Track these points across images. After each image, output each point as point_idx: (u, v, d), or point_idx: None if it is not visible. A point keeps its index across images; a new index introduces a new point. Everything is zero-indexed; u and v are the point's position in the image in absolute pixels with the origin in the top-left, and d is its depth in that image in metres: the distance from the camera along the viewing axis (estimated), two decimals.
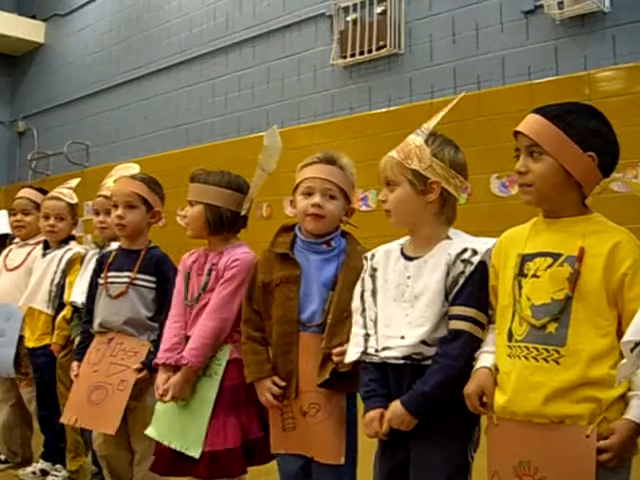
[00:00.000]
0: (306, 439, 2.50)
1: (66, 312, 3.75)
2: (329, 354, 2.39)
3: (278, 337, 2.53)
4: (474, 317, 2.09)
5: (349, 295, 2.36)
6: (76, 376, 3.26)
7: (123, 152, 9.05)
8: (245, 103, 7.92)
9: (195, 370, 2.74)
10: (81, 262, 3.83)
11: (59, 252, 3.98)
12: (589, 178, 1.94)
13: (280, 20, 7.60)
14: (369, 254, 2.36)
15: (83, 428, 3.64)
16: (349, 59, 6.80)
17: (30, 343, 3.93)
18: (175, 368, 2.76)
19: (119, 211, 3.18)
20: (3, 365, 4.00)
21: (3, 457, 4.26)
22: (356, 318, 2.29)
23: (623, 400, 1.83)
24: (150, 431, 2.86)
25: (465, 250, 2.14)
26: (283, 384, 2.51)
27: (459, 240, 2.20)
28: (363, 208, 6.46)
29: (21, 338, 3.98)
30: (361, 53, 6.68)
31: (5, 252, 4.31)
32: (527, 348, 1.89)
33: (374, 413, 2.17)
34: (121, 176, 3.40)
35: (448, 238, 2.22)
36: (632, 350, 1.64)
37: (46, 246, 4.07)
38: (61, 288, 3.88)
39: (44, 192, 4.25)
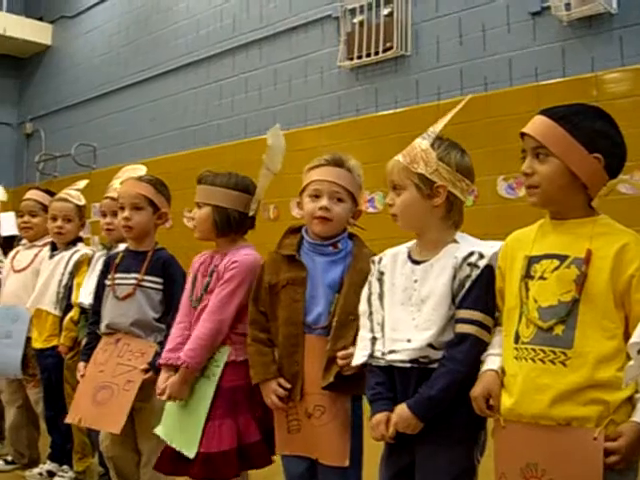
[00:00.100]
0: (311, 441, 2.50)
1: (73, 313, 3.76)
2: (334, 357, 2.39)
3: (284, 339, 2.54)
4: (480, 321, 2.09)
5: (355, 298, 2.36)
6: (82, 376, 3.27)
7: (130, 154, 9.06)
8: (252, 105, 7.93)
9: (192, 371, 2.75)
10: (88, 263, 3.84)
11: (66, 254, 3.99)
12: (595, 180, 1.93)
13: (287, 22, 7.61)
14: (377, 258, 2.36)
15: (90, 429, 3.66)
16: (356, 61, 6.80)
17: (38, 344, 3.94)
18: (177, 368, 2.77)
19: (126, 213, 3.18)
20: (10, 366, 4.00)
21: (10, 458, 4.27)
22: (363, 321, 2.29)
23: (630, 402, 1.82)
24: (158, 429, 2.89)
25: (472, 254, 2.13)
26: (288, 386, 2.51)
27: (466, 244, 2.20)
28: (370, 210, 6.45)
29: (28, 339, 3.99)
30: (368, 55, 6.67)
31: (12, 253, 4.32)
32: (534, 350, 1.89)
33: (380, 416, 2.16)
34: (128, 178, 3.40)
35: (455, 242, 2.22)
36: (639, 352, 1.64)
37: (53, 247, 4.08)
38: (69, 289, 3.89)
39: (51, 194, 4.27)
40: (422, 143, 2.21)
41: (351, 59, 6.83)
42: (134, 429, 3.19)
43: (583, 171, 1.91)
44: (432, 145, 2.19)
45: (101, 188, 3.90)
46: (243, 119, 8.00)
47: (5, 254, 4.58)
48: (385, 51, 6.55)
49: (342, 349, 2.37)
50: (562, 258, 1.91)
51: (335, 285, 2.50)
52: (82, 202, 4.10)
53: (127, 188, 3.26)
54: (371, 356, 2.22)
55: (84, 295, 3.67)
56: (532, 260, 1.98)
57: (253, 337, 2.63)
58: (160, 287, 3.18)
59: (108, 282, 3.26)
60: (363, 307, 2.31)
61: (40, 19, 11.46)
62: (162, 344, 2.99)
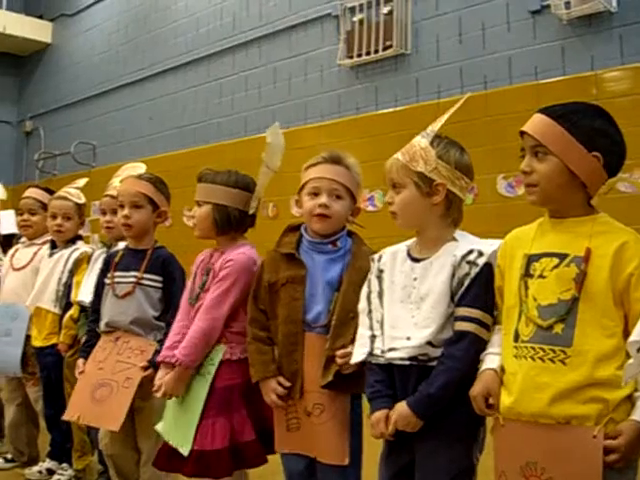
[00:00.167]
0: (310, 439, 2.50)
1: (73, 311, 3.76)
2: (333, 356, 2.39)
3: (283, 337, 2.54)
4: (479, 318, 2.09)
5: (354, 296, 2.36)
6: (81, 373, 3.27)
7: (130, 152, 9.06)
8: (252, 103, 7.93)
9: (186, 368, 2.75)
10: (88, 261, 3.84)
11: (66, 252, 3.98)
12: (594, 178, 1.93)
13: (287, 20, 7.61)
14: (376, 256, 2.36)
15: (90, 427, 3.66)
16: (355, 59, 6.80)
17: (37, 342, 3.93)
18: (173, 366, 2.78)
19: (125, 211, 3.19)
20: (10, 364, 4.00)
21: (10, 456, 4.27)
22: (362, 319, 2.30)
23: (630, 401, 1.82)
24: (159, 425, 2.90)
25: (471, 252, 2.14)
26: (288, 384, 2.51)
27: (465, 242, 2.20)
28: (369, 208, 6.45)
29: (28, 337, 3.99)
30: (367, 53, 6.67)
31: (12, 251, 4.32)
32: (533, 349, 1.89)
33: (380, 414, 2.17)
34: (128, 176, 3.40)
35: (454, 240, 2.22)
36: (638, 350, 1.64)
37: (53, 246, 4.08)
38: (68, 287, 3.89)
39: (51, 192, 4.26)
40: (421, 141, 2.21)
41: (351, 57, 6.84)
42: (134, 427, 3.20)
43: (582, 169, 1.91)
44: (431, 143, 2.19)
45: (101, 186, 3.90)
46: (243, 117, 8.00)
47: (5, 252, 4.58)
48: (385, 49, 6.55)
49: (341, 348, 2.37)
50: (562, 256, 1.91)
51: (334, 283, 2.50)
52: (82, 200, 4.10)
53: (127, 186, 3.26)
54: (370, 354, 2.22)
55: (84, 293, 3.67)
56: (531, 258, 1.97)
57: (253, 335, 2.63)
58: (159, 285, 3.18)
59: (108, 280, 3.26)
60: (362, 305, 2.32)
61: (40, 17, 11.46)
62: (162, 342, 2.99)
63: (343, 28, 6.94)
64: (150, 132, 9.22)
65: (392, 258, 2.30)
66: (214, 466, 2.66)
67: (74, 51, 10.89)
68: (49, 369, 3.88)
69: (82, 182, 4.21)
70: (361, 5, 6.78)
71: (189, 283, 2.95)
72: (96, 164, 9.97)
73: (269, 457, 2.79)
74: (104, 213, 3.78)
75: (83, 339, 3.51)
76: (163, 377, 2.80)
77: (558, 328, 1.86)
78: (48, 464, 3.99)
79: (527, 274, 1.97)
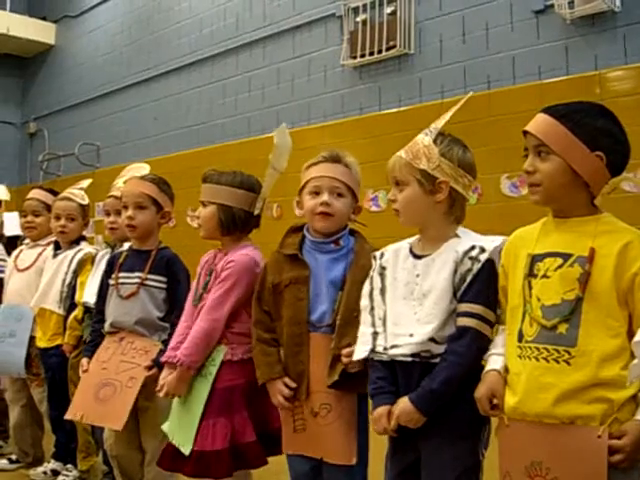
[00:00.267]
0: (316, 440, 2.50)
1: (77, 312, 3.76)
2: (338, 355, 2.39)
3: (288, 338, 2.54)
4: (481, 314, 2.09)
5: (358, 295, 2.36)
6: (85, 372, 3.27)
7: (134, 153, 9.08)
8: (255, 104, 7.93)
9: (187, 369, 2.75)
10: (92, 262, 3.85)
11: (70, 253, 3.99)
12: (597, 178, 1.93)
13: (290, 21, 7.61)
14: (378, 253, 2.36)
15: (94, 428, 3.66)
16: (359, 59, 6.80)
17: (42, 343, 3.94)
18: (176, 366, 2.78)
19: (129, 212, 3.19)
20: (14, 365, 4.01)
21: (14, 457, 4.27)
22: (364, 316, 2.30)
23: (634, 401, 1.82)
24: (164, 426, 2.91)
25: (473, 247, 2.14)
26: (294, 385, 2.51)
27: (467, 238, 2.20)
28: (373, 208, 6.46)
29: (32, 339, 3.99)
30: (371, 53, 6.67)
31: (16, 253, 4.33)
32: (537, 349, 1.89)
33: (382, 410, 2.17)
34: (131, 177, 3.41)
35: (456, 236, 2.22)
36: None
37: (57, 247, 4.08)
38: (72, 288, 3.89)
39: (54, 193, 4.27)
40: (424, 139, 2.21)
41: (354, 58, 6.83)
42: (138, 428, 3.20)
43: (584, 169, 1.91)
44: (434, 141, 2.19)
45: (104, 187, 3.90)
46: (247, 118, 8.00)
47: (9, 254, 4.58)
48: (388, 50, 6.55)
49: (347, 346, 2.36)
50: (565, 256, 1.91)
51: (338, 282, 2.50)
52: (85, 201, 4.10)
53: (131, 187, 3.26)
54: (372, 351, 2.22)
55: (89, 294, 3.67)
56: (535, 258, 1.97)
57: (257, 337, 2.63)
58: (164, 286, 3.18)
59: (112, 281, 3.26)
60: (364, 302, 2.31)
61: (43, 19, 11.48)
62: (166, 343, 2.99)
63: (346, 28, 6.94)
64: (154, 133, 9.24)
65: (394, 255, 2.30)
66: (214, 466, 2.66)
67: (78, 52, 10.91)
68: (53, 370, 3.89)
69: (86, 183, 4.21)
70: (364, 5, 6.78)
71: (194, 284, 2.95)
72: (100, 165, 9.99)
73: (273, 458, 2.79)
74: (108, 214, 3.78)
75: (87, 340, 3.51)
76: (166, 377, 2.81)
77: (562, 328, 1.86)
78: (53, 465, 3.99)
79: (531, 274, 1.96)
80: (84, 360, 3.32)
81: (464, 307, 2.11)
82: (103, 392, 3.14)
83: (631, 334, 1.79)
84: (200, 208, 2.91)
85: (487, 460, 2.17)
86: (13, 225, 5.25)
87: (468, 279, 2.11)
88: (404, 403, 2.11)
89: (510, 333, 2.00)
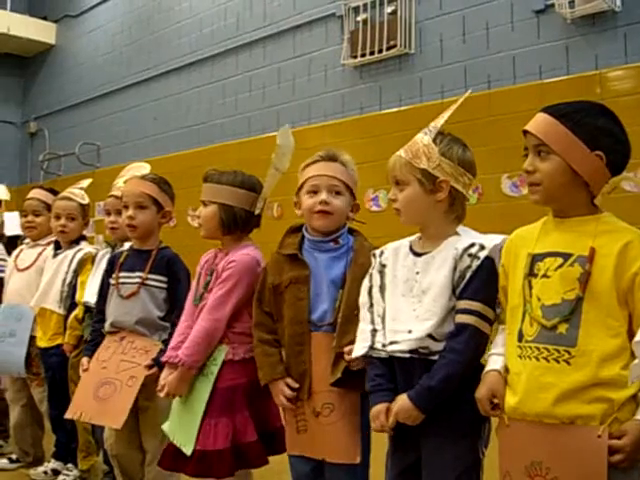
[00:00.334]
0: (318, 441, 2.50)
1: (78, 312, 3.76)
2: (341, 353, 2.38)
3: (290, 338, 2.54)
4: (479, 311, 2.09)
5: (358, 292, 2.36)
6: (85, 371, 3.27)
7: (134, 153, 9.08)
8: (256, 103, 7.93)
9: (189, 369, 2.75)
10: (92, 262, 3.84)
11: (70, 252, 3.99)
12: (597, 177, 1.93)
13: (290, 20, 7.61)
14: (378, 251, 2.37)
15: (95, 427, 3.66)
16: (359, 59, 6.80)
17: (42, 343, 3.94)
18: (177, 366, 2.78)
19: (130, 212, 3.18)
20: (14, 365, 4.01)
21: (15, 457, 4.27)
22: (363, 314, 2.30)
23: (634, 400, 1.81)
24: (164, 425, 2.91)
25: (472, 245, 2.14)
26: (296, 386, 2.51)
27: (467, 236, 2.21)
28: (374, 208, 6.46)
29: (32, 338, 4.00)
30: (371, 53, 6.67)
31: (16, 252, 4.33)
32: (538, 349, 1.89)
33: (380, 407, 2.17)
34: (132, 176, 3.41)
35: (457, 234, 2.23)
36: None
37: (57, 246, 4.08)
38: (73, 288, 3.89)
39: (55, 193, 4.27)
40: (424, 138, 2.21)
41: (355, 57, 6.84)
42: (138, 427, 3.20)
43: (584, 169, 1.91)
44: (434, 140, 2.20)
45: (105, 187, 3.90)
46: (247, 118, 8.00)
47: (9, 253, 4.58)
48: (389, 49, 6.55)
49: (349, 344, 2.35)
50: (566, 256, 1.91)
51: (338, 281, 2.50)
52: (85, 201, 4.10)
53: (131, 187, 3.26)
54: (371, 348, 2.22)
55: (89, 294, 3.67)
56: (535, 258, 1.97)
57: (258, 338, 2.63)
58: (164, 286, 3.18)
59: (112, 281, 3.26)
60: (363, 299, 2.32)
61: (44, 18, 11.48)
62: (166, 342, 2.99)
63: (347, 28, 6.94)
64: (154, 133, 9.24)
65: (394, 253, 2.30)
66: (216, 466, 2.66)
67: (78, 52, 10.91)
68: (54, 370, 3.89)
69: (86, 183, 4.21)
70: (365, 5, 6.78)
71: (194, 284, 2.95)
72: (100, 165, 9.99)
73: (275, 457, 2.79)
74: (108, 214, 3.78)
75: (88, 339, 3.51)
76: (167, 377, 2.81)
77: (562, 328, 1.86)
78: (53, 464, 4.00)
79: (531, 274, 1.96)
80: (84, 359, 3.32)
81: (463, 304, 2.11)
82: (103, 391, 3.14)
83: (631, 334, 1.79)
84: (201, 208, 2.91)
85: (487, 459, 2.18)
86: (13, 225, 5.25)
87: (467, 276, 2.11)
88: (402, 400, 2.11)
89: (510, 333, 2.00)
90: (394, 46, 6.51)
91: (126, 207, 3.21)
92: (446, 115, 2.25)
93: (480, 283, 2.11)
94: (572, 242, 1.92)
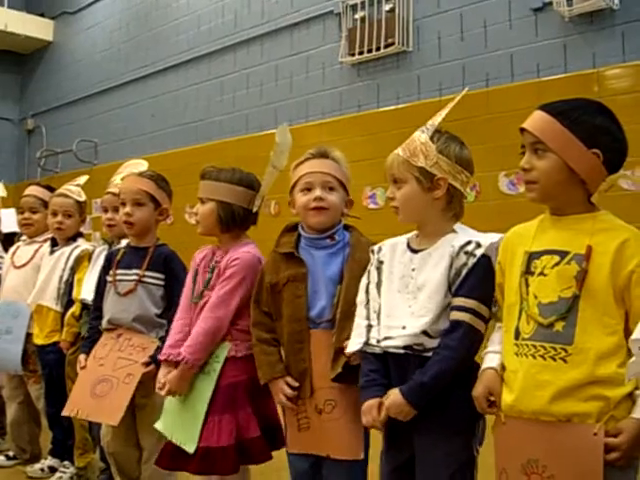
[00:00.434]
0: (321, 438, 2.50)
1: (75, 309, 3.75)
2: (340, 348, 2.38)
3: (289, 336, 2.54)
4: (474, 309, 2.09)
5: (357, 288, 2.37)
6: (82, 368, 3.27)
7: (132, 150, 9.06)
8: (253, 101, 7.92)
9: (191, 367, 2.75)
10: (89, 259, 3.84)
11: (67, 249, 3.98)
12: (594, 175, 1.93)
13: (288, 18, 7.61)
14: (376, 247, 2.37)
15: (91, 425, 3.66)
16: (357, 57, 6.80)
17: (39, 340, 3.93)
18: (176, 364, 2.77)
19: (127, 209, 3.18)
20: (11, 362, 4.01)
21: (12, 454, 4.28)
22: (359, 310, 2.31)
23: (631, 398, 1.82)
24: (158, 424, 2.89)
25: (469, 242, 2.14)
26: (296, 384, 2.51)
27: (464, 234, 2.21)
28: (371, 206, 6.46)
29: (28, 335, 3.99)
30: (369, 51, 6.67)
31: (12, 249, 4.32)
32: (534, 346, 1.89)
33: (373, 401, 2.18)
34: (129, 173, 3.40)
35: (454, 232, 2.23)
36: None
37: (54, 243, 4.07)
38: (69, 285, 3.88)
39: (51, 189, 4.26)
40: (421, 136, 2.22)
41: (352, 55, 6.83)
42: (135, 425, 3.19)
43: (581, 167, 1.91)
44: (431, 138, 2.20)
45: (102, 184, 3.89)
46: (244, 115, 7.99)
47: (6, 250, 4.58)
48: (387, 47, 6.55)
49: (348, 339, 2.36)
50: (562, 254, 1.91)
51: (336, 277, 2.50)
52: (82, 198, 4.09)
53: (128, 184, 3.26)
54: (366, 343, 2.23)
55: (87, 291, 3.66)
56: (532, 256, 1.97)
57: (257, 337, 2.63)
58: (161, 283, 3.18)
59: (109, 278, 3.26)
60: (361, 296, 2.33)
61: (41, 15, 11.46)
62: (163, 339, 2.99)
63: (345, 25, 6.94)
64: (152, 130, 9.23)
65: (392, 250, 2.31)
66: (220, 463, 2.65)
67: (76, 49, 10.90)
68: (51, 367, 3.89)
69: (83, 179, 4.20)
70: (363, 2, 6.78)
71: (188, 281, 2.94)
72: (98, 162, 9.98)
73: (274, 453, 2.79)
74: (106, 211, 3.77)
75: (85, 336, 3.51)
76: (166, 375, 2.80)
77: (559, 326, 1.86)
78: (50, 462, 4.00)
79: (528, 271, 1.96)
80: (81, 356, 3.32)
81: (458, 301, 2.11)
82: (100, 388, 3.14)
83: (627, 332, 1.80)
84: (198, 205, 2.90)
85: (482, 457, 2.17)
86: (10, 222, 5.23)
87: (463, 273, 2.12)
88: (394, 395, 2.11)
89: (507, 331, 2.01)
90: (392, 44, 6.50)
91: (123, 204, 3.21)
92: (444, 113, 2.25)
93: (476, 281, 2.11)
94: (569, 240, 1.92)
